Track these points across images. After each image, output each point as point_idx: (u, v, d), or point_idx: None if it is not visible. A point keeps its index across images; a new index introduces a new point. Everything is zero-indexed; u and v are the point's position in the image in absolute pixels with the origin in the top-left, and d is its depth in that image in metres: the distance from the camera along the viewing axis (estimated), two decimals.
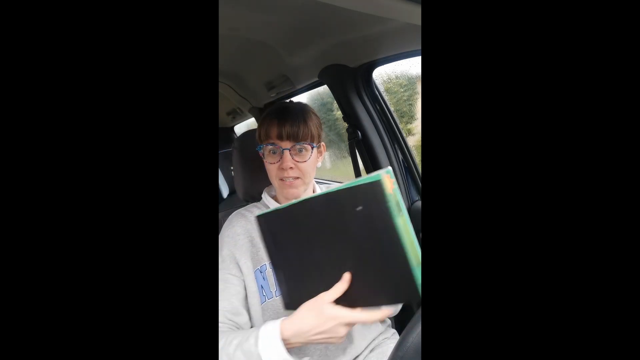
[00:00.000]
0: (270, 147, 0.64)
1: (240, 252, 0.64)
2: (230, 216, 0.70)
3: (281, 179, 0.64)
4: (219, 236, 0.67)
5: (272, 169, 0.64)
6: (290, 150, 0.62)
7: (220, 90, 1.59)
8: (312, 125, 0.65)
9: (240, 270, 0.64)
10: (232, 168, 0.84)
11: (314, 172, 0.68)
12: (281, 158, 0.63)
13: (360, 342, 0.68)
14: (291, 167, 0.62)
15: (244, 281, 0.64)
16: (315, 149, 0.66)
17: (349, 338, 0.67)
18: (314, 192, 0.72)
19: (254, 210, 0.69)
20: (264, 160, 0.65)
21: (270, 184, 0.71)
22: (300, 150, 0.64)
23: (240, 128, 2.29)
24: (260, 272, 0.64)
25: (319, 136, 0.67)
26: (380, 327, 0.73)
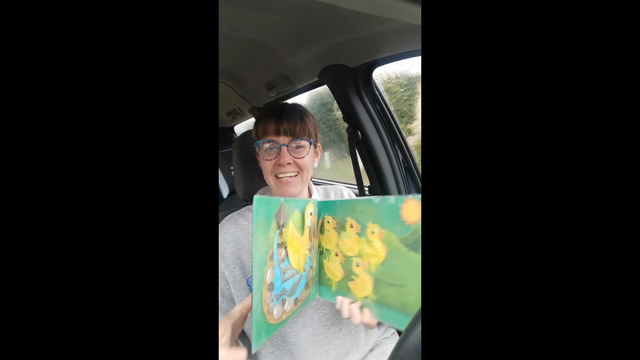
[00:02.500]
0: (267, 144, 0.62)
1: (226, 263, 0.63)
2: (221, 222, 0.68)
3: (277, 176, 0.62)
4: None
5: (267, 165, 0.62)
6: (287, 147, 0.61)
7: (220, 90, 1.59)
8: (309, 122, 0.64)
9: (226, 281, 0.63)
10: (232, 168, 0.84)
11: (312, 170, 0.67)
12: (278, 154, 0.61)
13: (363, 347, 0.68)
14: (289, 163, 0.61)
15: (231, 292, 0.63)
16: (312, 146, 0.64)
17: (354, 343, 0.67)
18: (310, 194, 0.71)
19: (247, 215, 0.68)
20: (260, 158, 0.64)
21: (265, 185, 0.69)
22: (297, 147, 0.62)
23: (240, 128, 2.29)
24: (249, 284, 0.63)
25: (316, 135, 0.66)
26: (380, 329, 0.73)
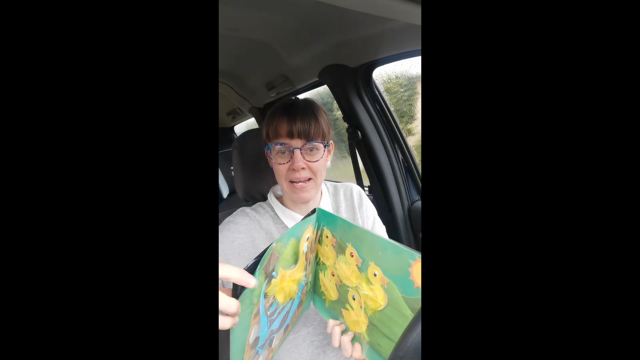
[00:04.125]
0: (279, 146, 0.58)
1: (235, 252, 0.60)
2: (234, 213, 0.66)
3: (291, 181, 0.59)
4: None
5: (281, 170, 0.59)
6: (301, 150, 0.57)
7: (220, 90, 1.59)
8: (323, 122, 0.60)
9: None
10: (232, 168, 0.83)
11: (325, 172, 0.63)
12: (291, 158, 0.58)
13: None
14: (303, 168, 0.58)
15: None
16: (326, 148, 0.61)
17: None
18: (321, 194, 0.69)
19: (259, 210, 0.66)
20: (272, 162, 0.60)
21: (275, 183, 0.67)
22: (311, 150, 0.59)
23: (240, 128, 2.29)
24: None
25: (329, 134, 0.63)
26: None
